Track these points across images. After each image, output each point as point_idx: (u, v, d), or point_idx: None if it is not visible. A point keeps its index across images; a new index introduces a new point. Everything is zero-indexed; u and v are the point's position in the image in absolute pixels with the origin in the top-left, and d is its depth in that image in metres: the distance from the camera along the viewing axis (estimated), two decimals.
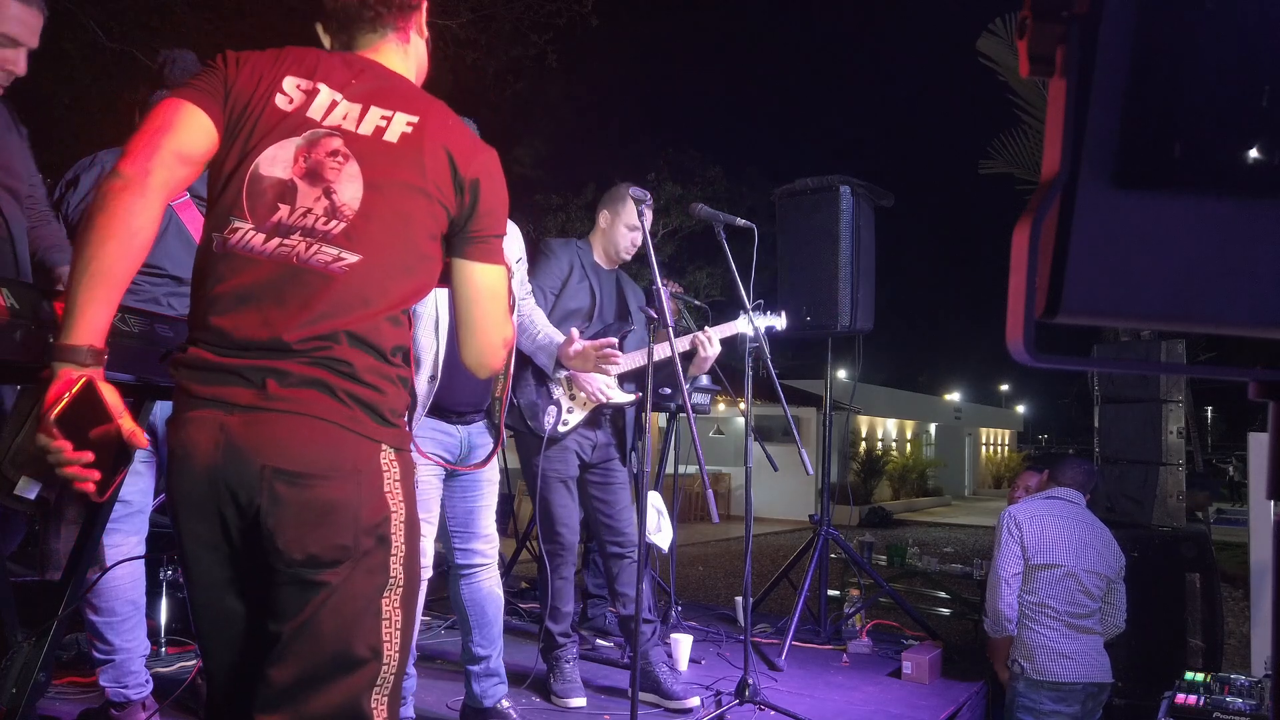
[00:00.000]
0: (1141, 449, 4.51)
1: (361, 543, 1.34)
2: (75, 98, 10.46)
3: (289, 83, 1.46)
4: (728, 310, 4.17)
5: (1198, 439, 11.57)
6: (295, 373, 1.34)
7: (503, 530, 3.04)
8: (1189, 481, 6.77)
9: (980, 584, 7.24)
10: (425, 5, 1.62)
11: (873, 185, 4.74)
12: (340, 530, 1.33)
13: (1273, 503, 0.88)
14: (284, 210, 1.39)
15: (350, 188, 1.41)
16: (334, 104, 1.45)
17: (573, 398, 3.31)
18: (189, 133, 1.41)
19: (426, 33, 1.65)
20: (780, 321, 3.64)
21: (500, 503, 3.09)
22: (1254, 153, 0.71)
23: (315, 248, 1.38)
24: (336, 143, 1.43)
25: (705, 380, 4.53)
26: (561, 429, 3.29)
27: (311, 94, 1.46)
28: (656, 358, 2.98)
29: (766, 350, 3.36)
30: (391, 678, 1.37)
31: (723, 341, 3.45)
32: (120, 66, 9.86)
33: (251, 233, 1.39)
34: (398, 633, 1.38)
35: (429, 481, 2.69)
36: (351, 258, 1.38)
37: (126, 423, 1.31)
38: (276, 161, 1.41)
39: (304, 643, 1.31)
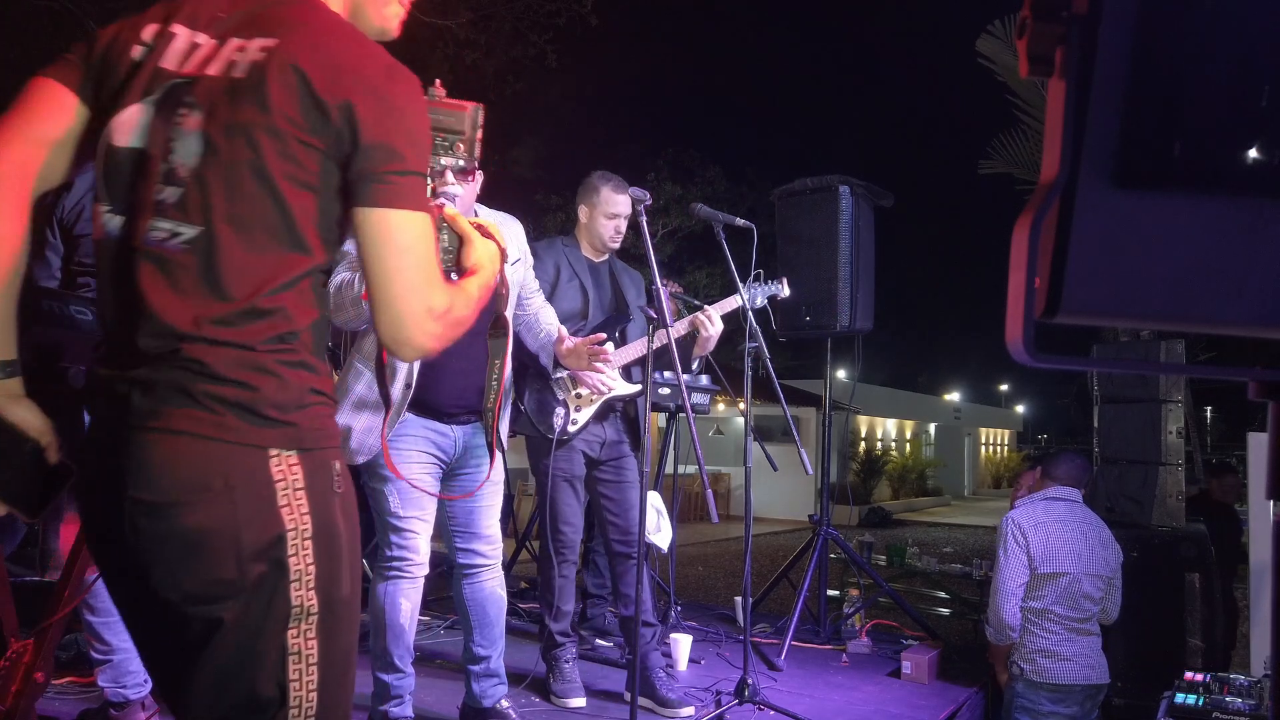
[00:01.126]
0: (1141, 449, 4.50)
1: (249, 572, 1.13)
2: None
3: (147, 31, 1.24)
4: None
5: (1197, 439, 11.57)
6: (149, 381, 1.15)
7: (502, 530, 3.04)
8: (1218, 468, 6.75)
9: (980, 584, 7.24)
10: None
11: (872, 185, 4.74)
12: (217, 563, 1.13)
13: (1272, 503, 0.88)
14: (135, 183, 1.19)
15: (187, 144, 1.17)
16: (192, 46, 1.22)
17: (579, 395, 3.31)
18: (34, 110, 1.24)
19: None
20: (783, 288, 3.59)
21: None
22: (1254, 153, 0.71)
23: (150, 223, 1.17)
24: (184, 91, 1.19)
25: (705, 380, 4.53)
26: (571, 428, 3.28)
27: (168, 39, 1.23)
28: (656, 345, 2.98)
29: (766, 350, 3.36)
30: (308, 718, 1.18)
31: (726, 327, 3.45)
32: None
33: (109, 215, 1.21)
34: (313, 668, 1.17)
35: (421, 479, 2.69)
36: (188, 231, 1.16)
37: (50, 446, 1.24)
38: (126, 127, 1.21)
39: (200, 686, 1.16)
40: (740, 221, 3.52)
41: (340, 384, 2.65)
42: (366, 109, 1.17)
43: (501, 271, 1.45)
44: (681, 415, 4.02)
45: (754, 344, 3.37)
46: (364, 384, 2.64)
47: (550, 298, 3.37)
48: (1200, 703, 3.04)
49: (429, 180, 1.27)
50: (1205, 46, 0.71)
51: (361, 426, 2.63)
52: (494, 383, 1.66)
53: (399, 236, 1.18)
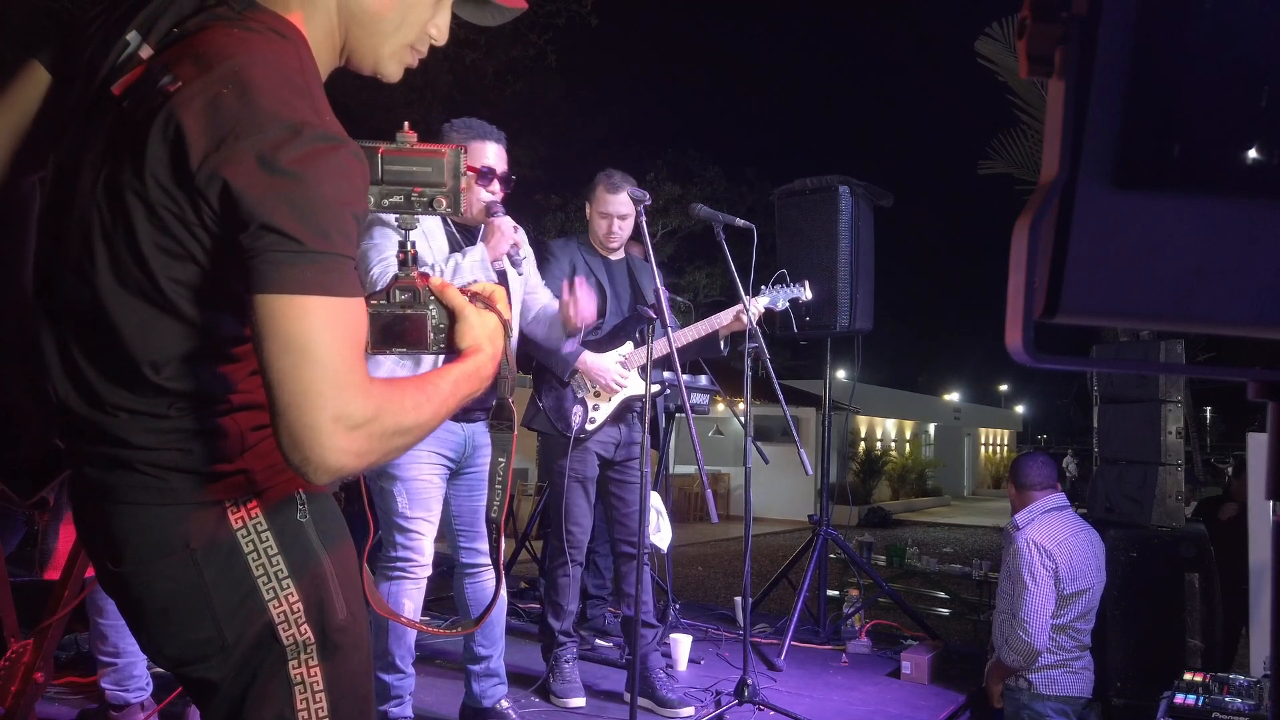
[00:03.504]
0: (1141, 449, 4.50)
1: (228, 629, 1.10)
2: None
3: (117, 31, 1.11)
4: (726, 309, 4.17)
5: (1197, 439, 11.58)
6: (93, 455, 1.11)
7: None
8: (1239, 468, 6.73)
9: (979, 584, 7.25)
10: None
11: (872, 185, 4.75)
12: (193, 623, 1.10)
13: (1272, 503, 0.88)
14: (65, 221, 1.08)
15: (81, 192, 1.06)
16: (129, 60, 1.08)
17: (596, 394, 3.31)
18: (14, 87, 1.15)
19: None
20: (805, 292, 3.62)
21: None
22: (1253, 153, 0.71)
23: (63, 275, 1.08)
24: (98, 118, 1.06)
25: (705, 380, 4.53)
26: (589, 426, 3.29)
27: (119, 48, 1.09)
28: (693, 338, 3.06)
29: (765, 350, 3.36)
30: None
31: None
32: None
33: (50, 247, 1.11)
34: (320, 695, 1.15)
35: (430, 480, 2.69)
36: (84, 294, 1.06)
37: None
38: (66, 149, 1.10)
39: None
40: (740, 222, 3.52)
41: None
42: (246, 183, 0.96)
43: (507, 349, 1.26)
44: (681, 415, 4.02)
45: (754, 344, 3.37)
46: (384, 373, 2.60)
47: None
48: (1200, 703, 3.04)
49: (344, 260, 1.01)
50: (1205, 47, 0.71)
51: None
52: (499, 487, 1.45)
53: (289, 329, 0.96)
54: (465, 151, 1.24)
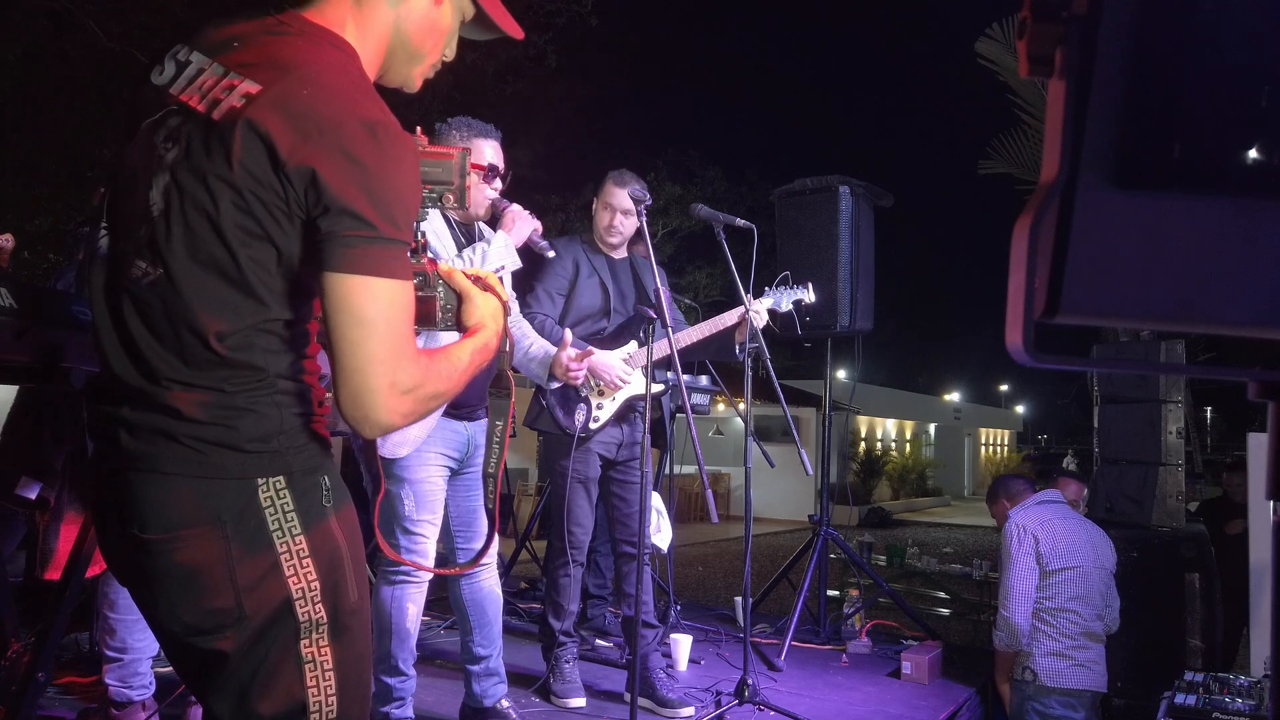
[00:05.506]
0: (1141, 449, 4.50)
1: (248, 601, 1.15)
2: (75, 98, 10.46)
3: (171, 52, 1.24)
4: (727, 310, 4.17)
5: (1197, 439, 11.57)
6: (133, 422, 1.17)
7: (502, 530, 3.04)
8: (1232, 465, 6.74)
9: (980, 584, 7.26)
10: None
11: (872, 185, 4.75)
12: (213, 593, 1.15)
13: (1272, 503, 0.88)
14: (127, 212, 1.19)
15: (160, 181, 1.16)
16: (199, 73, 1.19)
17: (600, 393, 3.31)
18: None
19: None
20: (808, 293, 3.66)
21: (500, 503, 3.08)
22: (1253, 153, 0.71)
23: (130, 260, 1.18)
24: (175, 122, 1.18)
25: (705, 380, 4.53)
26: (593, 425, 3.28)
27: (183, 65, 1.21)
28: (696, 338, 3.07)
29: (766, 350, 3.36)
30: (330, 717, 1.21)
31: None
32: (120, 66, 9.86)
33: (105, 237, 1.22)
34: (329, 673, 1.20)
35: (435, 483, 2.69)
36: (154, 272, 1.16)
37: None
38: (133, 151, 1.21)
39: (224, 702, 1.19)
40: (740, 222, 3.52)
41: None
42: (333, 174, 1.11)
43: (505, 327, 1.41)
44: (681, 415, 4.02)
45: (754, 344, 3.37)
46: None
47: (569, 295, 3.38)
48: (1200, 703, 3.04)
49: (408, 245, 1.19)
50: (1205, 46, 0.71)
51: None
52: (496, 445, 1.59)
53: (360, 305, 1.11)
54: (469, 153, 1.41)
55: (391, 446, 2.58)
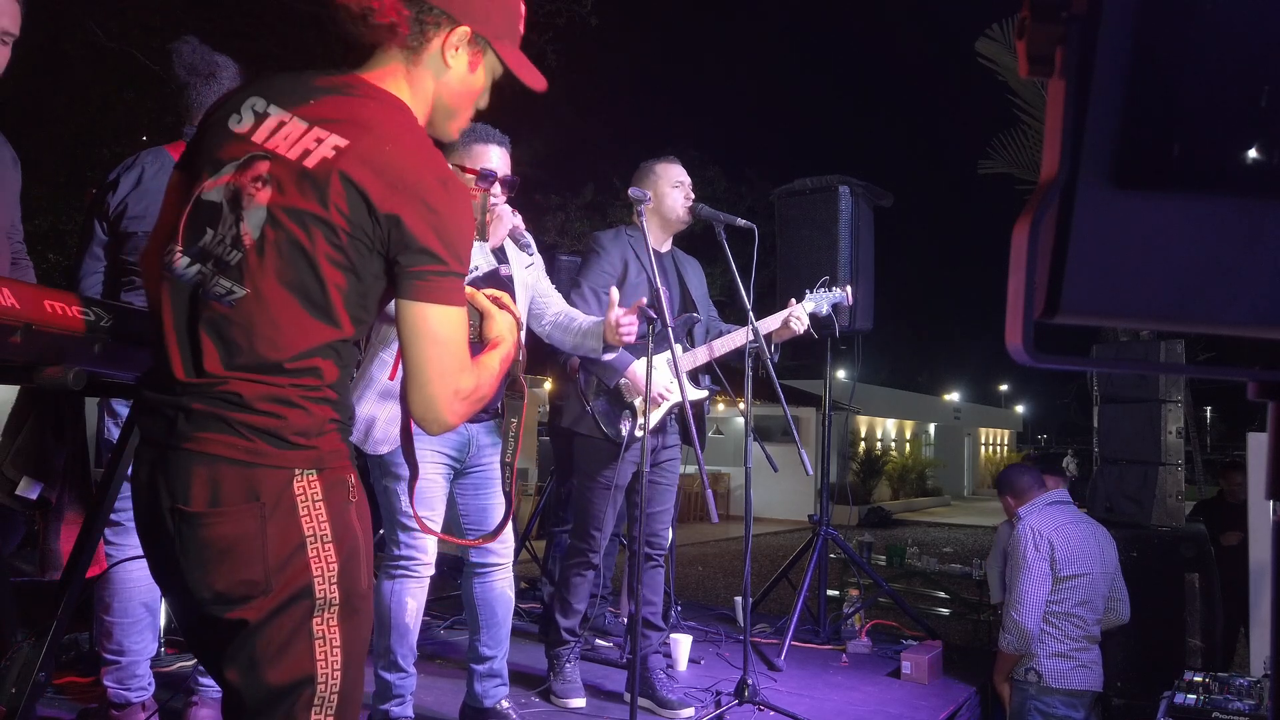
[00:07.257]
0: (1141, 449, 4.50)
1: (275, 577, 1.29)
2: (75, 98, 10.47)
3: (247, 104, 1.41)
4: (727, 310, 4.17)
5: (1197, 439, 11.58)
6: (195, 409, 1.31)
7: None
8: (1228, 466, 6.75)
9: (979, 584, 7.25)
10: (469, 29, 1.45)
11: (872, 185, 4.75)
12: (245, 566, 1.29)
13: (1272, 503, 0.88)
14: (207, 235, 1.35)
15: (255, 215, 1.34)
16: (280, 124, 1.38)
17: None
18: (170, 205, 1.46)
19: (473, 56, 1.48)
20: (847, 297, 3.69)
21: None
22: (1252, 153, 0.71)
23: (215, 279, 1.34)
24: (264, 166, 1.36)
25: (705, 380, 4.52)
26: (639, 433, 3.22)
27: (262, 116, 1.39)
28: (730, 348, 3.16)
29: (766, 350, 3.36)
30: (333, 695, 1.34)
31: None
32: (120, 66, 9.86)
33: (179, 254, 1.37)
34: (336, 650, 1.34)
35: (434, 479, 2.68)
36: (240, 291, 1.33)
37: None
38: (216, 186, 1.37)
39: (239, 671, 1.31)
40: (741, 221, 3.51)
41: (362, 373, 2.60)
42: (414, 220, 1.32)
43: (519, 339, 1.61)
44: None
45: (754, 344, 3.37)
46: (388, 372, 2.59)
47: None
48: (1200, 703, 3.05)
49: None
50: (1204, 46, 0.71)
51: (386, 416, 2.60)
52: (511, 439, 1.80)
53: (435, 328, 1.35)
54: (488, 194, 1.59)
55: (373, 444, 2.61)
